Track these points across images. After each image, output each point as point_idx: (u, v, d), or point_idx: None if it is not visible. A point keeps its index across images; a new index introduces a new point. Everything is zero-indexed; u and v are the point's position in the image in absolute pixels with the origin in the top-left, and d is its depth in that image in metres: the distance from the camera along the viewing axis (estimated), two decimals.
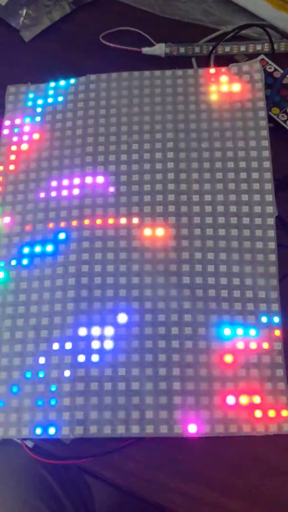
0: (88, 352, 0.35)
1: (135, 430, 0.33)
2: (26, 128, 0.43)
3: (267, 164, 0.39)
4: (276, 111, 0.44)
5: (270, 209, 0.38)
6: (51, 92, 0.44)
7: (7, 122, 0.44)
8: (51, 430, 0.34)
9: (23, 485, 0.38)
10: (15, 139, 0.43)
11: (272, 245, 0.37)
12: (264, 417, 0.33)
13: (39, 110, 0.44)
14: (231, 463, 0.36)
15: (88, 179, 0.40)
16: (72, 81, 0.44)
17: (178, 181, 0.40)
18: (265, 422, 0.33)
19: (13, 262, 0.39)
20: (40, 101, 0.44)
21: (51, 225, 0.39)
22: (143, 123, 0.42)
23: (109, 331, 0.36)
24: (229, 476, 0.36)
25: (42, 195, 0.41)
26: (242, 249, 0.37)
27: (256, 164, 0.39)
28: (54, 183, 0.41)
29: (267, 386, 0.34)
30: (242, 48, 0.47)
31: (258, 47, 0.47)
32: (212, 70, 0.43)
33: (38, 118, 0.43)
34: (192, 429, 0.33)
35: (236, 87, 0.42)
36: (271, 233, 0.38)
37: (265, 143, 0.40)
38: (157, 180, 0.40)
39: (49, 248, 0.39)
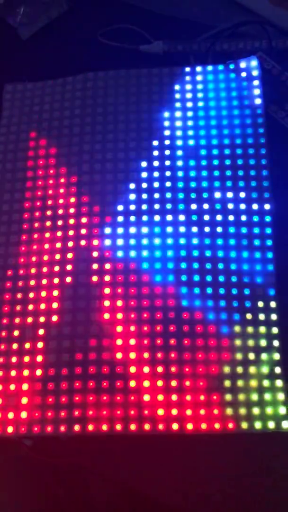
0: (86, 349, 0.35)
1: (132, 427, 0.34)
2: (24, 127, 0.43)
3: (264, 161, 0.39)
4: (274, 108, 0.44)
5: (267, 206, 0.38)
6: (48, 90, 0.44)
7: (4, 121, 0.44)
8: (49, 428, 0.34)
9: (21, 483, 0.38)
10: (12, 137, 0.43)
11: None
12: (262, 414, 0.33)
13: (36, 108, 0.44)
14: (229, 460, 0.36)
15: (85, 178, 0.40)
16: (70, 79, 0.44)
17: (174, 178, 0.40)
18: (263, 419, 0.33)
19: None
20: (37, 100, 0.44)
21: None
22: (141, 121, 0.42)
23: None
24: (227, 473, 0.36)
25: (39, 193, 0.41)
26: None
27: (254, 161, 0.39)
28: (50, 181, 0.41)
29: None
30: (240, 45, 0.47)
31: (256, 44, 0.47)
32: (209, 67, 0.43)
33: (35, 116, 0.43)
34: (190, 426, 0.33)
35: (234, 84, 0.42)
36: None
37: (263, 140, 0.40)
38: (156, 178, 0.40)
39: None
